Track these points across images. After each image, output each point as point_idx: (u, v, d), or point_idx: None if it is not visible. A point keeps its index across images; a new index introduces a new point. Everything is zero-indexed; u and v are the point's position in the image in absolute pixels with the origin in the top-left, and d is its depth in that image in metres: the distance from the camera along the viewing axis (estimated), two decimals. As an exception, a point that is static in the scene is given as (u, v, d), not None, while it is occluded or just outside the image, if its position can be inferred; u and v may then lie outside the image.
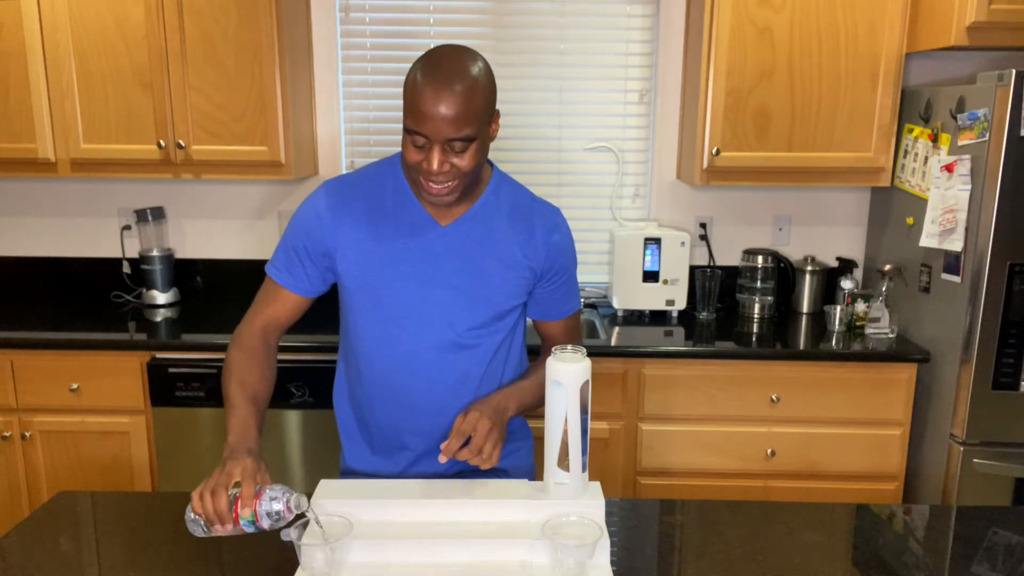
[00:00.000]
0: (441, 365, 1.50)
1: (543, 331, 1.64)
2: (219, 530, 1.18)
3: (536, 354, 1.66)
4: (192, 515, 1.19)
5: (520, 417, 1.66)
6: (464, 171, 1.36)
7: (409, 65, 2.99)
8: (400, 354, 1.49)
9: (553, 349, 1.32)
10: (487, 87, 1.35)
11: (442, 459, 1.32)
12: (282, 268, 1.52)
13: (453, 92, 1.28)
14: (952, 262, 2.35)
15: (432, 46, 2.91)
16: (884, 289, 2.68)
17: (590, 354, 1.34)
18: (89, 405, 2.52)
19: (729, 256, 3.02)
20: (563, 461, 1.31)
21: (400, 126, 2.91)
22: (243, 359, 1.46)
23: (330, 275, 1.53)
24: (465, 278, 1.47)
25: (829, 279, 2.92)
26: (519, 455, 1.65)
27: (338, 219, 1.47)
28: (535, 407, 1.52)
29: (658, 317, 2.83)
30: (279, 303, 1.53)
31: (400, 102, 2.94)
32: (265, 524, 1.17)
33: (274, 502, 1.16)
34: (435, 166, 1.33)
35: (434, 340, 1.49)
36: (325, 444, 2.50)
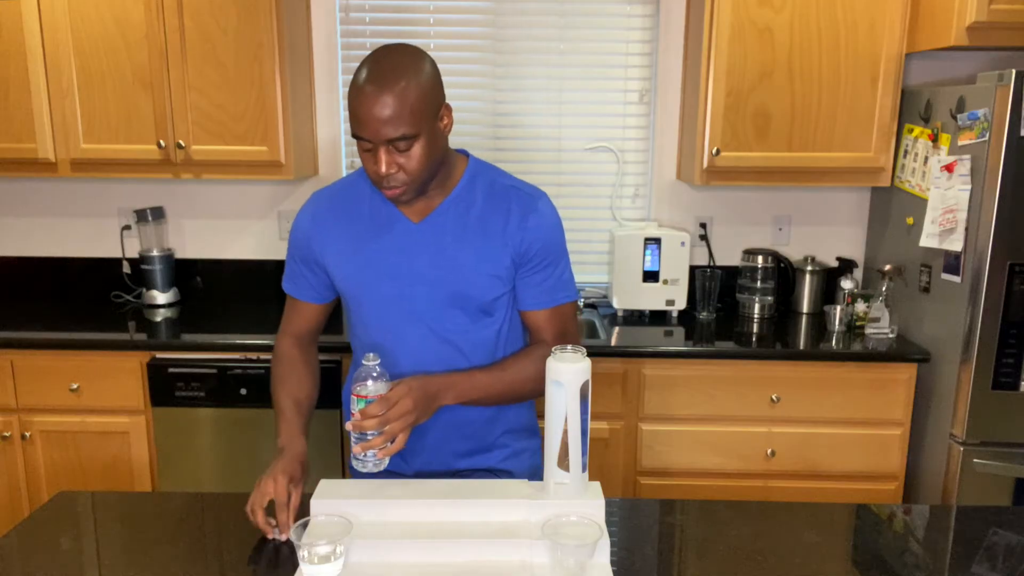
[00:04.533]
0: (427, 361, 1.50)
1: (527, 321, 1.57)
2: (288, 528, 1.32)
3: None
4: (358, 455, 1.33)
5: (529, 416, 1.65)
6: (413, 170, 1.36)
7: (409, 65, 2.99)
8: (387, 351, 1.51)
9: (553, 349, 1.31)
10: (424, 84, 1.33)
11: (348, 426, 1.32)
12: (290, 280, 1.60)
13: (385, 93, 1.29)
14: (952, 262, 2.35)
15: (432, 46, 2.89)
16: (884, 289, 2.68)
17: (590, 354, 1.34)
18: (89, 405, 2.52)
19: (729, 256, 3.02)
20: (563, 461, 1.30)
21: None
22: (281, 369, 1.57)
23: (330, 280, 1.57)
24: (441, 273, 1.47)
25: (829, 279, 2.92)
26: (523, 457, 1.63)
27: (321, 228, 1.52)
28: (490, 403, 1.50)
29: (658, 317, 2.83)
30: (299, 314, 1.61)
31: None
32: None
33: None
34: (382, 168, 1.34)
35: (417, 337, 1.50)
36: (325, 444, 2.49)
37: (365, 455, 1.32)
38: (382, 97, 1.29)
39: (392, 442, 1.32)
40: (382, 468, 1.34)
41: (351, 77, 2.90)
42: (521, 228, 1.48)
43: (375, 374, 1.33)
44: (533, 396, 1.56)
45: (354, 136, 1.35)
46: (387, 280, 1.48)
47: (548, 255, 1.51)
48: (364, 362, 1.33)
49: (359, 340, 1.57)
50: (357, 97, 1.31)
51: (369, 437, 1.31)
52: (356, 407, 1.32)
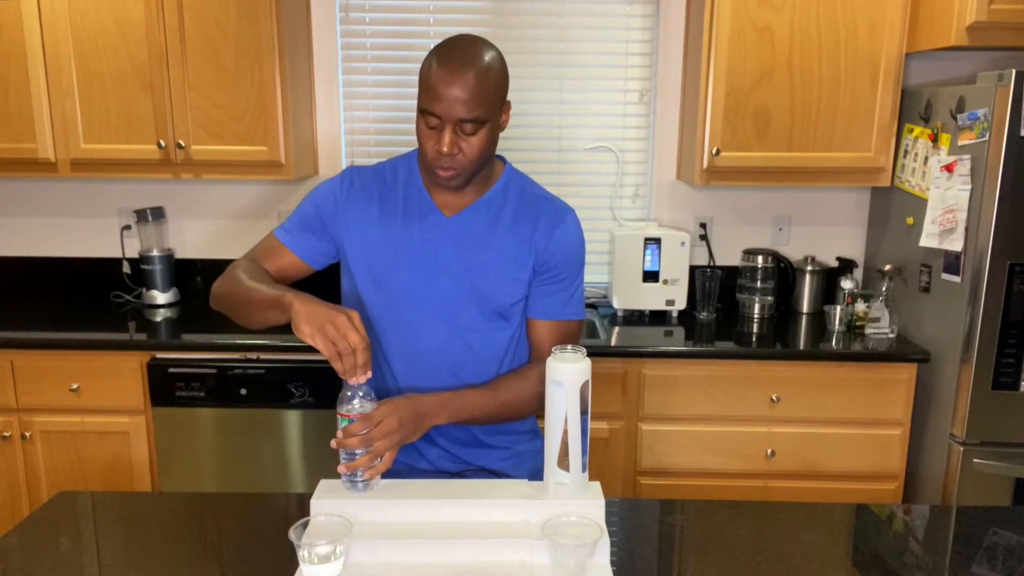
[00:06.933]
0: (437, 355, 1.51)
1: (530, 334, 1.57)
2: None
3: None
4: (345, 474, 1.31)
5: (531, 419, 1.65)
6: (472, 156, 1.39)
7: (409, 65, 2.99)
8: (398, 341, 1.51)
9: (553, 349, 1.31)
10: (499, 74, 1.38)
11: (333, 444, 1.32)
12: (288, 231, 1.56)
13: (466, 74, 1.33)
14: (952, 262, 2.35)
15: (432, 46, 2.89)
16: (884, 289, 2.68)
17: (590, 354, 1.33)
18: (89, 405, 2.52)
19: (729, 256, 3.02)
20: (563, 461, 1.30)
21: (396, 128, 2.92)
22: (248, 267, 1.51)
23: (330, 249, 1.54)
24: (464, 268, 1.48)
25: (829, 279, 2.92)
26: (524, 458, 1.63)
27: (351, 202, 1.52)
28: (483, 422, 1.49)
29: (658, 317, 2.83)
30: (276, 258, 1.56)
31: (400, 101, 2.94)
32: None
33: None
34: (445, 147, 1.36)
35: (432, 328, 1.50)
36: (325, 444, 2.49)
37: (353, 475, 1.32)
38: (463, 78, 1.33)
39: (380, 460, 1.32)
40: (372, 488, 1.33)
41: (352, 77, 2.93)
42: (547, 238, 1.50)
43: (361, 394, 1.32)
44: (527, 415, 1.56)
45: (421, 111, 1.37)
46: (410, 267, 1.49)
47: (566, 269, 1.53)
48: (349, 382, 1.31)
49: (364, 326, 1.54)
50: (438, 73, 1.34)
51: (356, 457, 1.30)
52: (341, 427, 1.32)
